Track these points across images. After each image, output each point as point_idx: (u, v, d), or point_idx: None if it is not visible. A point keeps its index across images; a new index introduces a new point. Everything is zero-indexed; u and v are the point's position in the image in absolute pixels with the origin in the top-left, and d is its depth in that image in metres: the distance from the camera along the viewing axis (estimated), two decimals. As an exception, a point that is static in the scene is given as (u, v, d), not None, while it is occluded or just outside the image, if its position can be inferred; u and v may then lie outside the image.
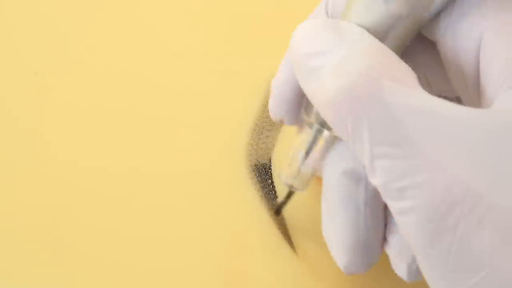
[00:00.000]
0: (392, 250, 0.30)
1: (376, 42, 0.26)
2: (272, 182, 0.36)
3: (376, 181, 0.25)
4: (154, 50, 0.39)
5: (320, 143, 0.29)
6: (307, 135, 0.30)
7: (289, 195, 0.33)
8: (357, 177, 0.29)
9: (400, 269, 0.29)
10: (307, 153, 0.30)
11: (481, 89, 0.26)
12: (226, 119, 0.37)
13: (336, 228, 0.29)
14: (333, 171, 0.29)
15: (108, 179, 0.36)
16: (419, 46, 0.29)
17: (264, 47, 0.39)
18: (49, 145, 0.37)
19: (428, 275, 0.25)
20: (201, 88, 0.38)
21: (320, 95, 0.25)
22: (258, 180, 0.36)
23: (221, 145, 0.37)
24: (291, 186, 0.31)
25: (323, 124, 0.29)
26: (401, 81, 0.24)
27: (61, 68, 0.39)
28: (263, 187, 0.36)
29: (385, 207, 0.29)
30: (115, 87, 0.38)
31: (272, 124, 0.37)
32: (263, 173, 0.36)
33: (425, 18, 0.27)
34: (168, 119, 0.38)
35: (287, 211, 0.36)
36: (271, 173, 0.36)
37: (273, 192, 0.36)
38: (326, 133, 0.29)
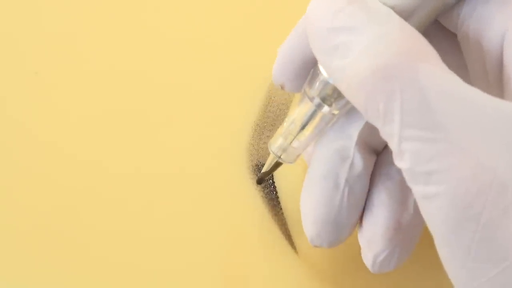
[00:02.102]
0: (363, 238, 0.30)
1: (405, 23, 0.25)
2: (273, 182, 0.36)
3: (402, 164, 0.24)
4: (155, 50, 0.39)
5: (318, 118, 0.29)
6: (305, 108, 0.29)
7: (276, 166, 0.33)
8: (345, 155, 0.29)
9: (367, 258, 0.30)
10: (303, 126, 0.30)
11: (505, 81, 0.26)
12: (227, 119, 0.37)
13: (312, 199, 0.30)
14: (324, 145, 0.30)
15: (108, 179, 0.36)
16: (438, 34, 0.29)
17: (264, 47, 0.39)
18: (50, 145, 0.37)
19: (448, 263, 0.24)
20: (201, 88, 0.38)
21: (349, 73, 0.25)
22: (259, 180, 0.36)
23: (222, 145, 0.37)
24: (279, 158, 0.31)
25: (325, 100, 0.29)
26: (434, 65, 0.24)
27: (61, 67, 0.39)
28: (264, 187, 0.36)
29: (366, 196, 0.30)
30: (116, 87, 0.38)
31: (273, 124, 0.37)
32: (264, 173, 0.36)
33: (449, 0, 0.27)
34: (169, 120, 0.38)
35: (288, 211, 0.36)
36: (272, 174, 0.36)
37: (274, 192, 0.36)
38: (326, 108, 0.29)
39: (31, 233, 0.35)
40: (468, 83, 0.25)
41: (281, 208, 0.36)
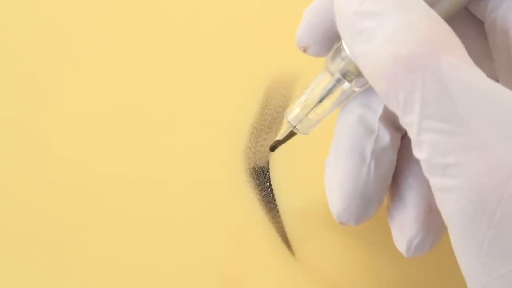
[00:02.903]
0: (395, 223, 0.30)
1: (432, 12, 0.25)
2: (270, 185, 0.36)
3: (420, 155, 0.24)
4: (152, 54, 0.39)
5: (337, 93, 0.29)
6: (325, 81, 0.29)
7: (290, 135, 0.32)
8: (371, 129, 0.29)
9: (401, 244, 0.29)
10: (321, 100, 0.29)
11: None
12: (224, 122, 0.37)
13: (337, 174, 0.29)
14: (348, 117, 0.29)
15: (106, 182, 0.36)
16: (465, 19, 0.29)
17: (262, 50, 0.39)
18: (48, 148, 0.37)
19: (461, 257, 0.24)
20: (199, 91, 0.38)
21: (372, 60, 0.25)
22: (256, 183, 0.36)
23: (219, 148, 0.37)
24: (294, 127, 0.31)
25: (345, 76, 0.28)
26: (459, 57, 0.24)
27: (59, 71, 0.39)
28: (261, 190, 0.36)
29: (393, 171, 0.29)
30: (113, 90, 0.38)
31: (270, 127, 0.37)
32: (261, 176, 0.36)
33: None
34: (166, 123, 0.38)
35: (285, 214, 0.36)
36: (269, 176, 0.36)
37: (271, 195, 0.36)
38: (346, 85, 0.28)
39: (31, 235, 0.35)
40: (492, 71, 0.24)
41: (278, 211, 0.36)
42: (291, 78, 0.38)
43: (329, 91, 0.29)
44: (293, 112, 0.31)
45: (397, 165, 0.30)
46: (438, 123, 0.24)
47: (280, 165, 0.36)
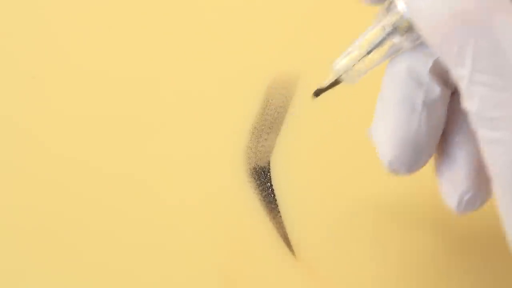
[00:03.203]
0: (444, 179, 0.30)
1: None
2: (271, 185, 0.36)
3: (470, 107, 0.25)
4: (152, 54, 0.39)
5: (386, 47, 0.29)
6: (376, 34, 0.29)
7: (335, 83, 0.32)
8: (421, 81, 0.29)
9: (451, 199, 0.29)
10: (369, 51, 0.30)
11: None
12: (225, 122, 0.37)
13: (388, 125, 0.29)
14: (398, 70, 0.29)
15: (106, 183, 0.36)
16: None
17: (262, 50, 0.39)
18: (47, 149, 0.37)
19: (506, 211, 0.25)
20: (199, 91, 0.38)
21: (427, 14, 0.26)
22: (257, 184, 0.36)
23: (220, 148, 0.37)
24: (340, 77, 0.31)
25: (397, 30, 0.28)
26: None
27: (59, 71, 0.39)
28: (262, 191, 0.36)
29: (443, 126, 0.29)
30: (113, 91, 0.38)
31: (270, 127, 0.37)
32: (262, 176, 0.36)
33: None
34: (166, 123, 0.38)
35: (286, 214, 0.36)
36: (270, 176, 0.36)
37: (272, 195, 0.36)
38: (397, 38, 0.29)
39: (30, 235, 0.35)
40: None
41: (279, 211, 0.36)
42: (291, 78, 0.38)
43: (378, 44, 0.29)
44: (341, 62, 0.30)
45: (446, 123, 0.30)
46: (489, 77, 0.24)
47: (281, 165, 0.36)
